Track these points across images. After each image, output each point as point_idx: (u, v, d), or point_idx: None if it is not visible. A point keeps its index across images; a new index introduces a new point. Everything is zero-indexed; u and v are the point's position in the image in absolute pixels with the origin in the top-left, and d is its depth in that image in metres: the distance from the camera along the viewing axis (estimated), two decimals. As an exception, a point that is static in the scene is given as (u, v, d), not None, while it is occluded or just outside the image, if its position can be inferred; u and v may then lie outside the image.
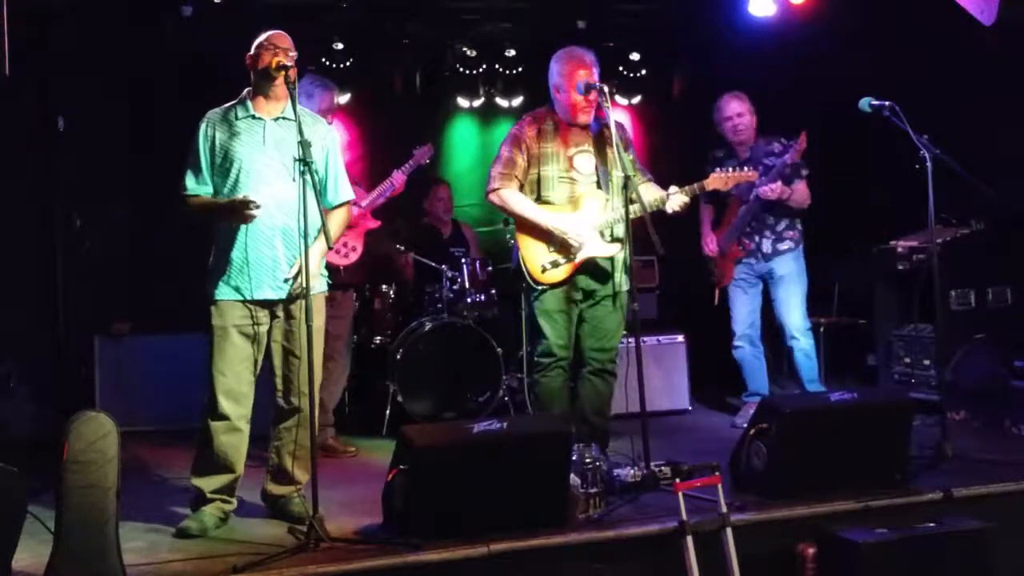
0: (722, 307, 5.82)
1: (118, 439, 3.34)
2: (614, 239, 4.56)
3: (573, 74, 4.51)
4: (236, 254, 3.89)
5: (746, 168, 4.85)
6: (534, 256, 4.57)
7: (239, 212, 3.77)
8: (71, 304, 5.77)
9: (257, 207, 3.76)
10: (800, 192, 5.50)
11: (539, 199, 4.59)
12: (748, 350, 5.72)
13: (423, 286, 6.30)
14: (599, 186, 4.60)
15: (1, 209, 5.32)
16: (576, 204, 4.57)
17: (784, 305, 5.61)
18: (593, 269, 4.59)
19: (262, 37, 3.94)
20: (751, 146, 5.62)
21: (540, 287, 4.57)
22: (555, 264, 4.55)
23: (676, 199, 4.52)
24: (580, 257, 4.52)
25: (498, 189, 4.58)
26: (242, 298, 3.90)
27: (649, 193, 4.56)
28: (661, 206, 4.52)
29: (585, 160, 4.60)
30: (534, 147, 4.58)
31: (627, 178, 4.28)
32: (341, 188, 4.13)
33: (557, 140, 4.59)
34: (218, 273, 3.92)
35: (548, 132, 4.60)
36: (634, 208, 4.37)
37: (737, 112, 5.59)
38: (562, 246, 4.54)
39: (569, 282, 4.57)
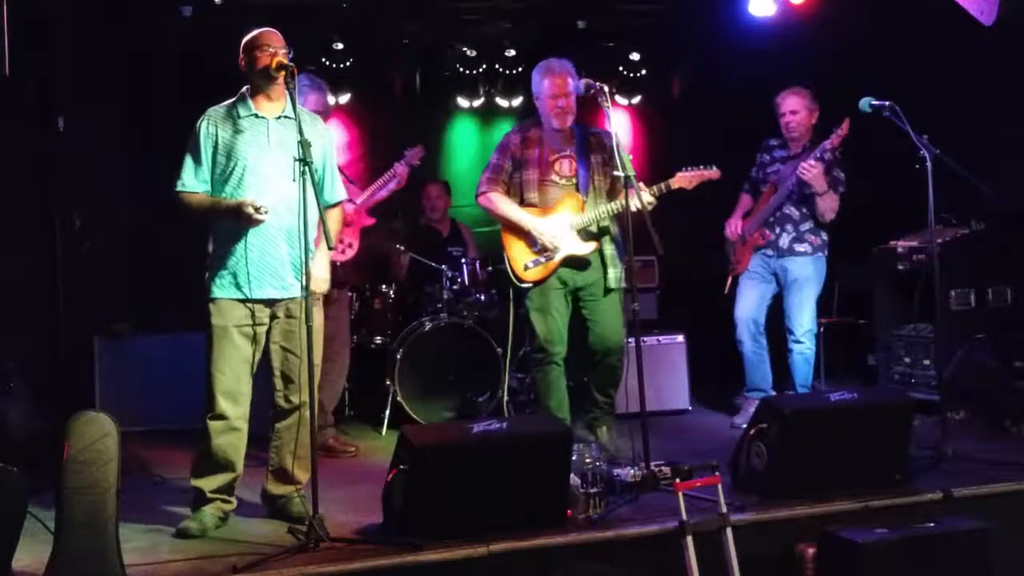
0: (723, 306, 5.81)
1: (118, 439, 3.35)
2: (590, 238, 4.83)
3: (543, 82, 4.84)
4: (239, 253, 3.88)
5: (777, 166, 5.18)
6: (518, 255, 4.89)
7: (247, 216, 3.75)
8: (71, 304, 5.76)
9: (266, 212, 3.75)
10: (829, 199, 5.45)
11: (522, 201, 4.90)
12: (748, 346, 5.69)
13: (423, 286, 6.30)
14: (577, 189, 4.87)
15: (1, 209, 5.32)
16: (555, 206, 4.86)
17: (793, 308, 5.59)
18: (579, 266, 4.86)
19: (252, 37, 3.93)
20: (804, 144, 5.59)
21: (524, 284, 4.88)
22: (536, 263, 4.84)
23: (644, 196, 4.60)
24: (558, 256, 4.82)
25: (485, 193, 4.95)
26: (244, 297, 3.90)
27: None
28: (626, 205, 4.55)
29: (565, 165, 4.89)
30: (518, 153, 4.92)
31: (627, 177, 4.36)
32: (337, 187, 4.19)
33: (540, 146, 4.91)
34: (219, 272, 3.92)
35: (533, 139, 4.92)
36: (614, 206, 4.71)
37: (791, 109, 5.57)
38: (542, 246, 4.82)
39: (557, 279, 4.85)
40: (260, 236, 3.87)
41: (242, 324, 3.91)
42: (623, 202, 4.52)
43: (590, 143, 4.92)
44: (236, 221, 3.83)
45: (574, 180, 4.87)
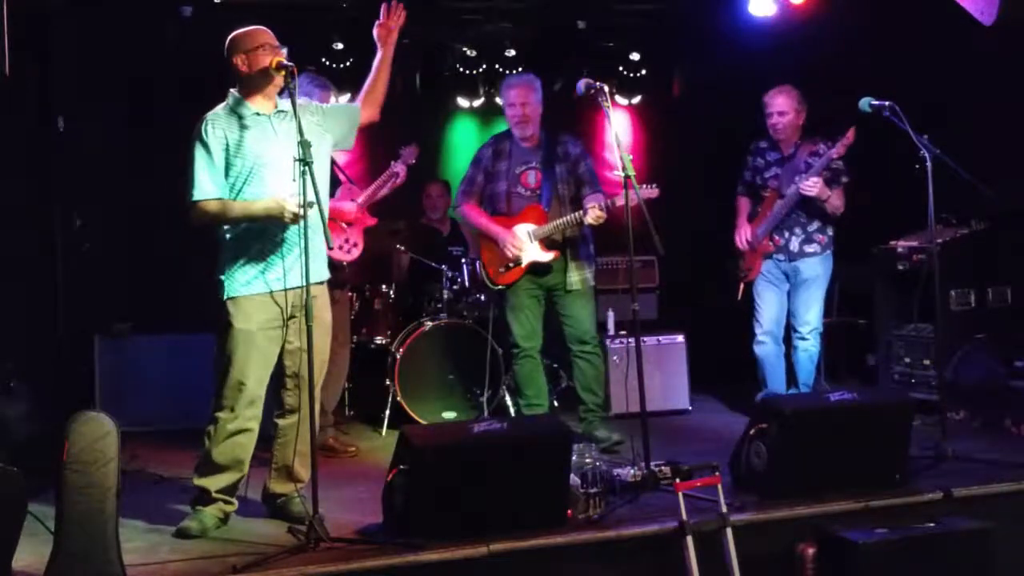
0: (723, 306, 5.80)
1: (118, 439, 3.35)
2: (552, 246, 5.11)
3: (505, 94, 5.24)
4: (267, 248, 3.86)
5: (774, 169, 5.30)
6: (491, 261, 5.24)
7: (293, 215, 3.70)
8: (71, 304, 5.76)
9: (312, 205, 3.67)
10: (836, 197, 5.44)
11: (494, 212, 5.24)
12: (771, 348, 5.67)
13: (423, 286, 6.30)
14: (540, 200, 5.14)
15: (1, 209, 5.32)
16: (520, 216, 5.15)
17: (802, 307, 5.58)
18: (542, 271, 5.17)
19: (246, 37, 3.89)
20: (796, 144, 5.58)
21: (497, 287, 5.25)
22: (507, 268, 5.19)
23: (592, 213, 4.88)
24: (525, 262, 5.14)
25: (459, 206, 5.35)
26: (270, 291, 3.85)
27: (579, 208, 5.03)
28: (581, 219, 4.96)
29: (531, 176, 5.19)
30: (490, 166, 5.26)
31: (627, 178, 4.38)
32: (351, 107, 4.31)
33: (509, 159, 5.23)
34: (242, 269, 3.87)
35: (503, 152, 5.26)
36: (570, 218, 4.99)
37: (780, 110, 5.54)
38: (508, 253, 5.13)
39: (528, 280, 5.18)
40: (283, 229, 3.85)
41: (266, 327, 3.89)
42: (579, 215, 4.94)
43: (556, 154, 5.19)
44: (271, 220, 3.79)
45: (538, 192, 5.15)
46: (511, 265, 5.15)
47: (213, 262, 3.97)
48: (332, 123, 4.12)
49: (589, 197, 5.04)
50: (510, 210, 5.18)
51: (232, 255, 3.90)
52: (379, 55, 4.24)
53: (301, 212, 3.68)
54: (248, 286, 3.87)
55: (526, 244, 5.10)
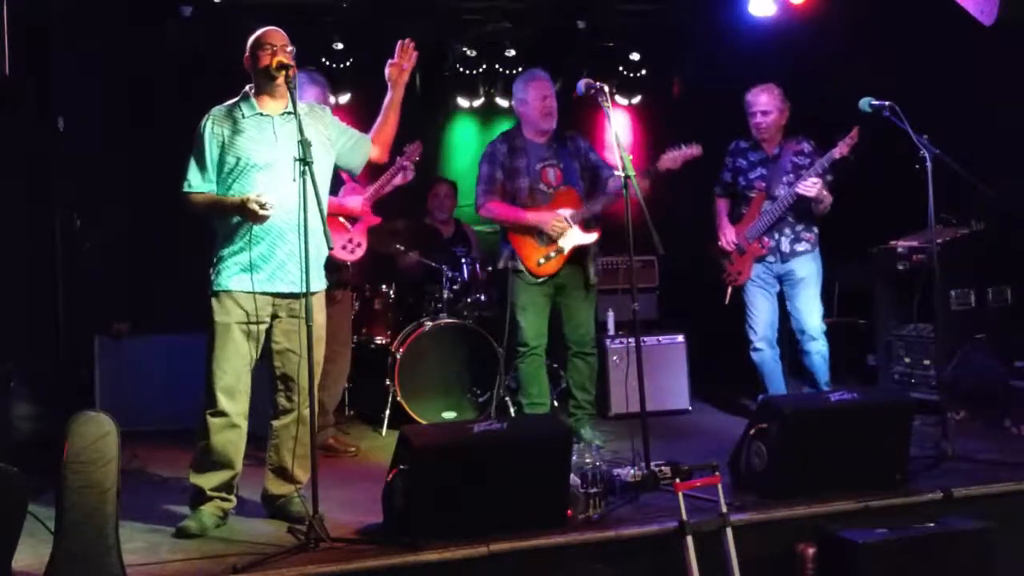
0: (723, 307, 5.79)
1: (118, 439, 3.35)
2: (590, 228, 5.11)
3: (528, 87, 5.16)
4: (247, 246, 3.87)
5: (759, 170, 5.33)
6: (530, 253, 5.13)
7: (252, 213, 3.75)
8: (71, 304, 5.75)
9: (271, 207, 3.75)
10: (828, 197, 5.44)
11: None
12: (768, 353, 5.64)
13: (423, 286, 6.30)
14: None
15: (1, 208, 5.32)
16: (554, 203, 5.13)
17: (804, 308, 5.55)
18: (569, 265, 5.14)
19: (256, 36, 3.95)
20: (780, 143, 5.56)
21: (539, 280, 5.12)
22: (548, 257, 5.10)
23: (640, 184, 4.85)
24: (568, 247, 5.08)
25: (485, 204, 5.17)
26: (250, 289, 3.87)
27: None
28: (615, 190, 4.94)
29: (551, 173, 5.19)
30: (507, 162, 5.18)
31: (627, 178, 4.37)
32: (363, 138, 4.21)
33: (526, 155, 5.18)
34: (226, 264, 3.91)
35: (519, 148, 5.20)
36: (608, 197, 5.03)
37: (763, 110, 5.51)
38: (550, 240, 5.08)
39: (547, 278, 5.13)
40: (269, 230, 3.86)
41: (243, 321, 3.91)
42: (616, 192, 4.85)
43: (568, 150, 5.23)
44: (246, 219, 3.82)
45: (560, 188, 5.16)
46: (552, 255, 5.09)
47: (211, 261, 4.00)
48: (341, 143, 4.12)
49: (611, 181, 5.05)
50: (535, 205, 5.14)
51: (220, 251, 3.95)
52: (389, 96, 4.23)
53: (259, 210, 3.72)
54: (231, 282, 3.91)
55: (567, 227, 5.06)
